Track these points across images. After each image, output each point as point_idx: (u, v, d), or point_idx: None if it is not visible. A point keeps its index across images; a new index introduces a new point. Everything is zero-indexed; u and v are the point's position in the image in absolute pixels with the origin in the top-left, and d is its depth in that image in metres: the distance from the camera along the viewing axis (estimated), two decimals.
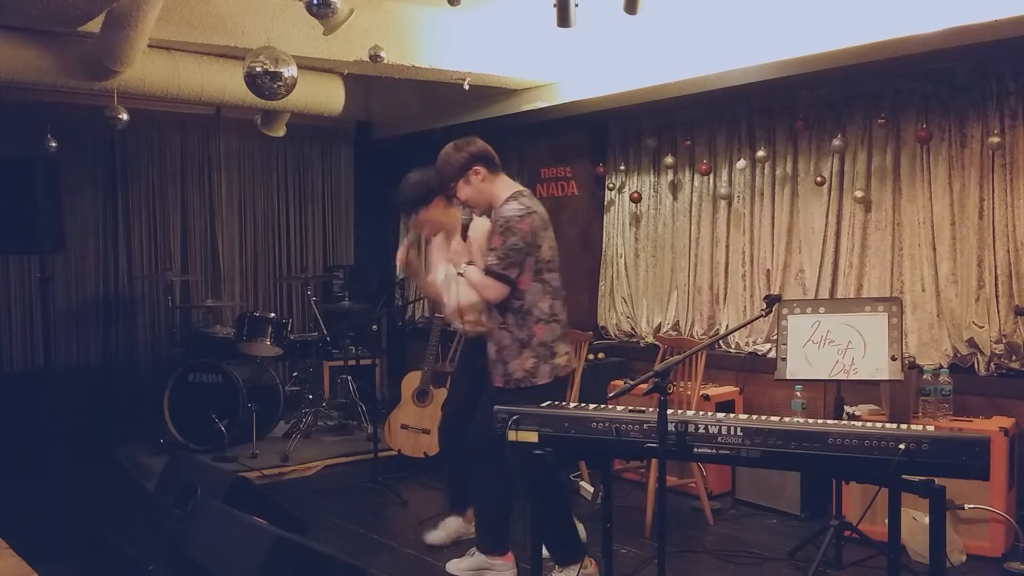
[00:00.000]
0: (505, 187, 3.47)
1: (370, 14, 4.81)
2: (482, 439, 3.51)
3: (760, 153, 5.08)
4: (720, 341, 5.29)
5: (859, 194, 4.66)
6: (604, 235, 6.13)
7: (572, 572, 3.51)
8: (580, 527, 3.88)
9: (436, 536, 4.11)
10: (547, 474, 3.18)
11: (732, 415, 2.85)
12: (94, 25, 4.16)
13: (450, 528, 4.12)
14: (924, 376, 4.07)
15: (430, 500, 4.79)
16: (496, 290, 3.32)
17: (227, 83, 5.05)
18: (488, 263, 3.34)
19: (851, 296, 4.70)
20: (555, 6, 3.76)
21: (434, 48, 5.11)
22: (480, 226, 3.67)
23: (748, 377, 5.13)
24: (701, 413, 2.84)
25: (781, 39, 4.42)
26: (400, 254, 3.89)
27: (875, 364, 3.57)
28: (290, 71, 4.21)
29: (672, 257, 5.69)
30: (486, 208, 3.55)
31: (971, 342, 4.32)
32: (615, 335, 6.03)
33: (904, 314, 4.21)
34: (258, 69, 4.15)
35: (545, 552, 3.48)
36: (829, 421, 2.74)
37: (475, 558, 3.70)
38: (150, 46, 4.46)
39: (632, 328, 5.95)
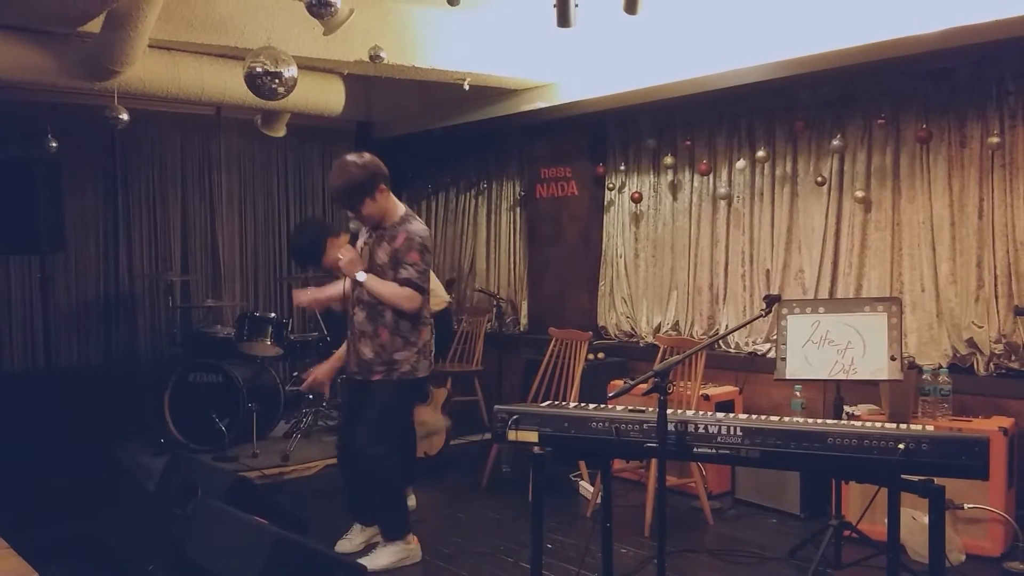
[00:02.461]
0: (395, 202, 3.66)
1: (370, 14, 4.81)
2: (358, 437, 3.63)
3: (760, 153, 5.08)
4: (720, 341, 5.29)
5: (859, 194, 4.67)
6: (604, 235, 6.13)
7: (397, 547, 3.72)
8: (412, 498, 4.35)
9: (343, 546, 3.93)
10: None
11: (732, 415, 2.84)
12: (94, 25, 4.17)
13: (356, 540, 3.97)
14: (924, 376, 4.07)
15: (429, 500, 4.79)
16: (416, 300, 3.55)
17: (227, 83, 5.06)
18: (410, 276, 3.53)
19: (851, 296, 4.70)
20: (555, 6, 3.77)
21: (434, 48, 5.12)
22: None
23: (748, 377, 5.13)
24: (701, 413, 2.84)
25: (781, 39, 4.43)
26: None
27: (875, 364, 3.57)
28: (290, 71, 4.21)
29: (672, 257, 5.69)
30: (378, 223, 3.63)
31: (971, 342, 4.33)
32: (615, 335, 6.03)
33: (904, 314, 4.21)
34: (258, 69, 4.15)
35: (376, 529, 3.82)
36: (829, 421, 2.74)
37: (388, 548, 3.74)
38: (150, 46, 4.47)
39: (632, 328, 5.95)
